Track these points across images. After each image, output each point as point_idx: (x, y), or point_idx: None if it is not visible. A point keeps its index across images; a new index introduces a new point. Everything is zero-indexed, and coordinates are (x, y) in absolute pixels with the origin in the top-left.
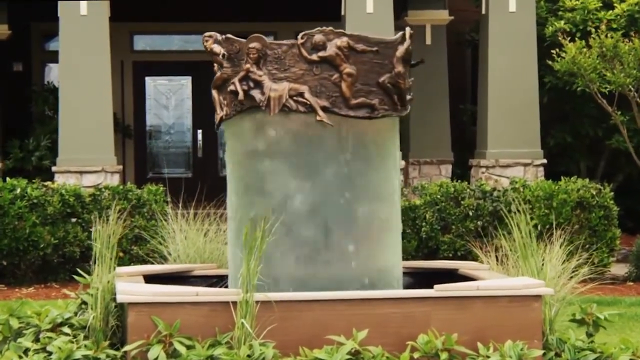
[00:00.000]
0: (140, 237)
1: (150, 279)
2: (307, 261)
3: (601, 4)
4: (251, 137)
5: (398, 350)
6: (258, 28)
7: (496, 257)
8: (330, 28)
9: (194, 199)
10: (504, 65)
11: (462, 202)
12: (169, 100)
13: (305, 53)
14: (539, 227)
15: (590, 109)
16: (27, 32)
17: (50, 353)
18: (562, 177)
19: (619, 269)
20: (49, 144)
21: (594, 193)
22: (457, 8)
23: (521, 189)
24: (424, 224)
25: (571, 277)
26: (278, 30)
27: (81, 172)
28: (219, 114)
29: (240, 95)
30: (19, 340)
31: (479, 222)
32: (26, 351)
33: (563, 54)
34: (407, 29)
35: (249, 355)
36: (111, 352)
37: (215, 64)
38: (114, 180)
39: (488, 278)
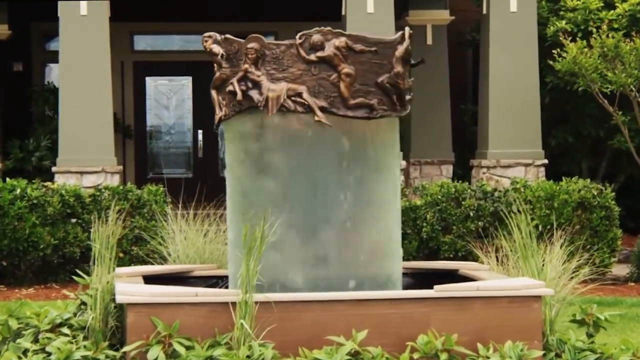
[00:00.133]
0: (140, 237)
1: (149, 279)
2: (306, 262)
3: (603, 4)
4: (250, 137)
5: (398, 351)
6: (259, 28)
7: (496, 257)
8: (329, 28)
9: (195, 200)
10: (505, 65)
11: (463, 202)
12: (169, 101)
13: (303, 53)
14: (539, 228)
15: (592, 109)
16: (27, 32)
17: (49, 354)
18: (563, 178)
19: (621, 270)
20: (49, 144)
21: (595, 193)
22: (458, 8)
23: (522, 190)
24: (424, 224)
25: (571, 278)
26: (279, 30)
27: (81, 173)
28: (218, 114)
29: (239, 96)
30: (18, 340)
31: (479, 223)
32: (25, 352)
33: (564, 54)
34: (407, 29)
35: (248, 356)
36: (110, 352)
37: (215, 64)
38: (114, 181)
39: (488, 278)
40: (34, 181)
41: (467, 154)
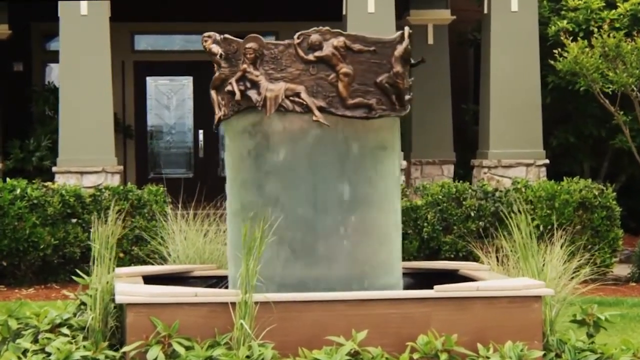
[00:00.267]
0: (140, 237)
1: (149, 279)
2: (304, 262)
3: (604, 4)
4: (248, 137)
5: (398, 351)
6: (259, 28)
7: (497, 257)
8: (327, 28)
9: (195, 200)
10: (506, 65)
11: (463, 202)
12: (170, 101)
13: (301, 53)
14: (540, 228)
15: (594, 109)
16: (27, 32)
17: (49, 354)
18: (564, 178)
19: (622, 270)
20: (49, 144)
21: (597, 193)
22: (459, 8)
23: (523, 190)
24: (425, 224)
25: (572, 278)
26: (279, 30)
27: (81, 173)
28: (218, 114)
29: (237, 96)
30: (18, 341)
31: (480, 223)
32: (25, 352)
33: (565, 54)
34: (406, 29)
35: (248, 356)
36: (110, 353)
37: (215, 64)
38: (115, 181)
39: (488, 279)
40: (34, 181)
41: (468, 154)
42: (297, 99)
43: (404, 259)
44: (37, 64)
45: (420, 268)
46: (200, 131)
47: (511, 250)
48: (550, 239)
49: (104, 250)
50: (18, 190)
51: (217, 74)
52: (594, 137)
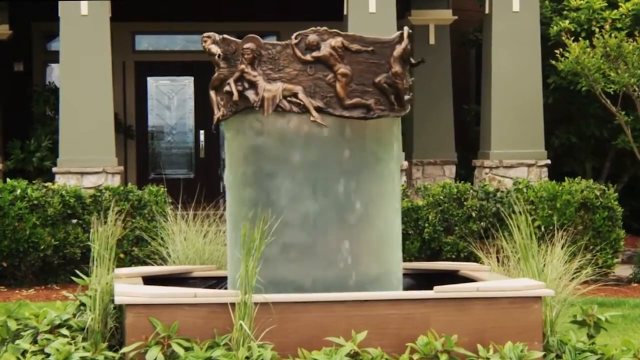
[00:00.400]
0: (141, 238)
1: (149, 280)
2: (303, 263)
3: (606, 4)
4: (247, 137)
5: (397, 352)
6: (260, 28)
7: (497, 258)
8: (325, 28)
9: (197, 200)
10: (507, 65)
11: (465, 203)
12: (171, 101)
13: (299, 53)
14: (542, 228)
15: (595, 109)
16: (28, 32)
17: (48, 355)
18: (566, 178)
19: (624, 270)
20: (50, 145)
21: (598, 194)
22: (461, 8)
23: (524, 190)
24: (426, 225)
25: (573, 279)
26: (281, 30)
27: (82, 173)
28: (217, 114)
29: (235, 96)
30: (17, 342)
31: (482, 223)
32: (24, 353)
33: (567, 54)
34: (405, 29)
35: (247, 357)
36: (109, 353)
37: (215, 65)
38: (115, 181)
39: (489, 279)
40: (34, 182)
41: (470, 155)
42: (294, 99)
43: (405, 260)
44: (38, 64)
45: (420, 269)
46: (202, 131)
47: (512, 251)
48: (551, 239)
49: (104, 251)
50: (18, 191)
51: (216, 74)
52: (596, 138)
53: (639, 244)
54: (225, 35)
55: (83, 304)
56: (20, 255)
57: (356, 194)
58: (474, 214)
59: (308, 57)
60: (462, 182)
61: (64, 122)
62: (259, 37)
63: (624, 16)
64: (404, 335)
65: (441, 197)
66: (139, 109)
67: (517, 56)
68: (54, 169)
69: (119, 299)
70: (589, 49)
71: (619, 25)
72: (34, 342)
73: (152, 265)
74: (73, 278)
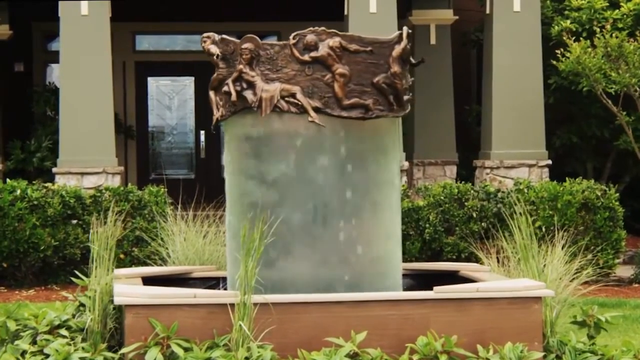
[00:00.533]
0: (141, 239)
1: (148, 281)
2: (303, 263)
3: (608, 4)
4: (246, 138)
5: (397, 353)
6: (261, 28)
7: (497, 258)
8: (323, 28)
9: (198, 201)
10: (508, 65)
11: (466, 203)
12: (171, 101)
13: (297, 53)
14: (543, 229)
15: (597, 109)
16: (28, 32)
17: (47, 355)
18: (567, 178)
19: (625, 271)
20: (50, 145)
21: (599, 194)
22: (462, 7)
23: (525, 190)
24: (427, 225)
25: (573, 279)
26: (281, 30)
27: (82, 174)
28: (216, 115)
29: (233, 96)
30: (17, 342)
31: (483, 224)
32: (23, 353)
33: (568, 54)
34: (405, 29)
35: (246, 358)
36: (109, 354)
37: (214, 65)
38: (115, 182)
39: (488, 280)
40: (34, 182)
41: (471, 155)
42: (292, 100)
43: (405, 260)
44: (38, 64)
45: (420, 269)
46: (202, 132)
47: (512, 252)
48: (552, 240)
49: (103, 252)
50: (18, 191)
51: (215, 74)
52: (597, 138)
53: None
54: (224, 36)
55: (82, 305)
56: (20, 255)
57: (355, 194)
58: (474, 215)
59: (306, 57)
60: (463, 182)
61: (64, 122)
62: (257, 38)
63: (625, 16)
64: (403, 336)
65: (442, 198)
66: (139, 109)
67: (518, 56)
68: (54, 170)
69: (118, 300)
70: (590, 49)
71: (620, 25)
72: (33, 342)
73: (152, 265)
74: (73, 279)
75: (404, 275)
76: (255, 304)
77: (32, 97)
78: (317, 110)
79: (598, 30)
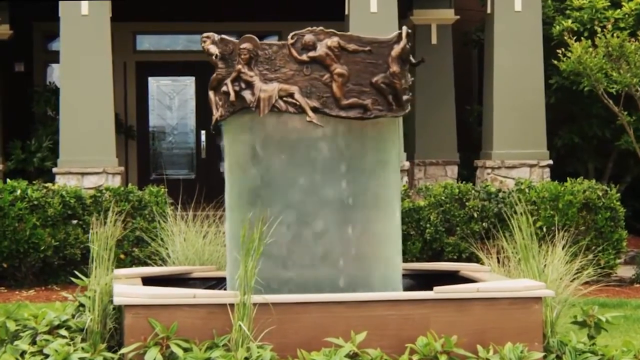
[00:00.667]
0: (141, 239)
1: (148, 281)
2: (302, 264)
3: (609, 3)
4: (244, 138)
5: (397, 353)
6: (262, 28)
7: (498, 259)
8: (321, 28)
9: (198, 201)
10: (509, 65)
11: (466, 203)
12: (172, 101)
13: (295, 53)
14: (544, 229)
15: (598, 109)
16: (29, 32)
17: (47, 356)
18: (568, 179)
19: (626, 271)
20: (50, 145)
21: (600, 194)
22: (463, 7)
23: (527, 190)
24: (428, 225)
25: (574, 279)
26: (282, 30)
27: (82, 174)
28: (215, 115)
29: (232, 96)
30: (16, 342)
31: (484, 224)
32: (23, 354)
33: (569, 54)
34: (404, 28)
35: (246, 358)
36: (108, 354)
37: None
38: (116, 182)
39: (489, 280)
40: (34, 182)
41: (472, 155)
42: (290, 100)
43: (406, 260)
44: (39, 64)
45: (421, 269)
46: (203, 132)
47: (512, 252)
48: (553, 240)
49: (103, 252)
50: (18, 192)
51: (214, 74)
52: (599, 138)
53: None
54: (223, 36)
55: (82, 305)
56: (21, 256)
57: (354, 194)
58: (475, 215)
59: (304, 57)
60: (464, 182)
61: (65, 122)
62: (255, 38)
63: (626, 16)
64: (403, 336)
65: (443, 198)
66: (140, 109)
67: (519, 56)
68: (54, 170)
69: (117, 300)
70: (591, 49)
71: (622, 25)
72: (33, 343)
73: (153, 266)
74: (73, 279)
75: (404, 275)
76: (254, 304)
77: (32, 97)
78: (315, 110)
79: (599, 30)
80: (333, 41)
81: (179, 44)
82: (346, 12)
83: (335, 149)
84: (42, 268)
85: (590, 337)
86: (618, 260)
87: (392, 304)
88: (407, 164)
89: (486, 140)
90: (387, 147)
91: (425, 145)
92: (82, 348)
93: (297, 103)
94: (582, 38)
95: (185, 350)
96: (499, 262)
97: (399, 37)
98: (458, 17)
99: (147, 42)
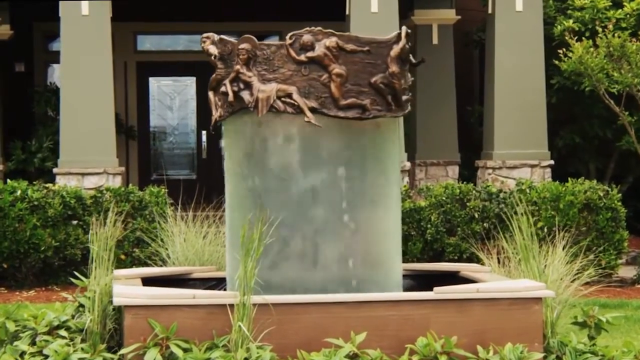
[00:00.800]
0: (142, 239)
1: (148, 281)
2: (302, 264)
3: (611, 3)
4: (242, 138)
5: (397, 353)
6: (263, 28)
7: (498, 259)
8: (319, 28)
9: (199, 201)
10: (510, 65)
11: (467, 203)
12: (173, 101)
13: (293, 54)
14: (545, 229)
15: (600, 109)
16: (29, 33)
17: (46, 356)
18: (570, 179)
19: (627, 272)
20: (51, 146)
21: (602, 195)
22: (465, 7)
23: (528, 191)
24: (429, 226)
25: (574, 280)
26: (283, 30)
27: (83, 174)
28: (214, 115)
29: (230, 97)
30: (16, 343)
31: (484, 224)
32: (22, 354)
33: (570, 54)
34: (404, 28)
35: (246, 358)
36: (108, 355)
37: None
38: (116, 182)
39: (489, 280)
40: (34, 183)
41: (473, 155)
42: (288, 100)
43: (407, 261)
44: (39, 65)
45: (421, 270)
46: (204, 132)
47: (512, 252)
48: (553, 240)
49: (103, 252)
50: (18, 192)
51: (214, 75)
52: (600, 138)
53: None
54: (222, 36)
55: (82, 305)
56: (21, 256)
57: (354, 194)
58: (476, 215)
59: (302, 57)
60: (465, 183)
61: (65, 122)
62: (254, 38)
63: (628, 16)
64: (403, 337)
65: (444, 198)
66: (140, 109)
67: (520, 56)
68: (55, 170)
69: (117, 300)
70: (592, 49)
71: (623, 25)
72: (33, 343)
73: (153, 266)
74: (72, 279)
75: (404, 276)
76: (254, 305)
77: (33, 98)
78: (313, 110)
79: (600, 29)
80: (331, 41)
81: (179, 44)
82: (347, 12)
83: (333, 150)
84: (43, 269)
85: (591, 338)
86: (619, 261)
87: (392, 304)
88: (408, 164)
89: (487, 141)
90: (386, 147)
91: (427, 145)
92: (82, 349)
93: (295, 103)
94: (584, 38)
95: (185, 350)
96: (499, 262)
97: (398, 37)
98: (459, 17)
99: (147, 42)
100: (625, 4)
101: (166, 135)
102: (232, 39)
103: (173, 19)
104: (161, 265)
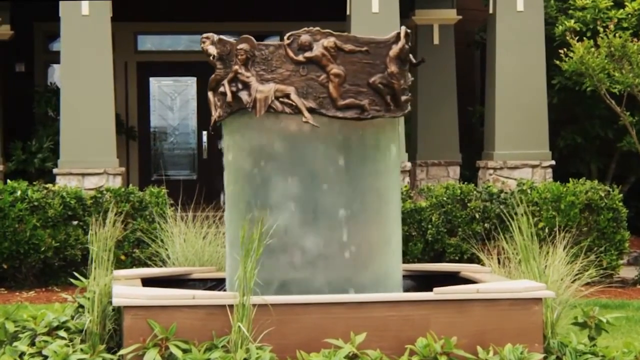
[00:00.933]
0: (142, 240)
1: (148, 282)
2: (300, 264)
3: (612, 3)
4: (242, 138)
5: (397, 354)
6: (263, 28)
7: (498, 259)
8: (317, 28)
9: (199, 202)
10: (511, 65)
11: (468, 204)
12: (173, 102)
13: (291, 54)
14: (546, 230)
15: (601, 109)
16: (30, 33)
17: (46, 357)
18: (571, 179)
19: (629, 272)
20: (51, 146)
21: (603, 195)
22: (466, 7)
23: (529, 191)
24: (430, 226)
25: (574, 280)
26: (284, 30)
27: (83, 175)
28: (214, 115)
29: (229, 97)
30: (15, 344)
31: (485, 225)
32: (22, 355)
33: (571, 54)
34: (403, 28)
35: (245, 359)
36: (107, 355)
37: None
38: (117, 183)
39: (489, 281)
40: (34, 183)
41: (474, 156)
42: (286, 100)
43: (408, 261)
44: (40, 65)
45: (421, 270)
46: (204, 132)
47: (513, 253)
48: (553, 240)
49: (103, 253)
50: (18, 192)
51: (213, 75)
52: (601, 138)
53: None
54: (221, 36)
55: (81, 306)
56: (21, 257)
57: (353, 195)
58: (477, 215)
59: (300, 57)
60: (467, 183)
61: (65, 123)
62: (252, 38)
63: (629, 16)
64: (403, 337)
65: (444, 199)
66: (141, 109)
67: (522, 56)
68: (55, 170)
69: (117, 301)
70: (593, 49)
71: (624, 25)
72: (32, 344)
73: (153, 266)
74: (72, 280)
75: (404, 276)
76: (254, 305)
77: (33, 98)
78: (311, 110)
79: (602, 30)
80: (329, 41)
81: (180, 44)
82: (347, 13)
83: (332, 150)
84: (43, 269)
85: (591, 339)
86: (620, 261)
87: (392, 305)
88: (408, 165)
89: (488, 141)
90: (385, 147)
91: (427, 145)
92: (81, 349)
93: (293, 104)
94: (585, 38)
95: (185, 351)
96: (499, 263)
97: (397, 37)
98: (460, 17)
99: (148, 42)
100: (626, 4)
101: (167, 136)
102: (231, 39)
103: (173, 19)
104: (161, 266)
